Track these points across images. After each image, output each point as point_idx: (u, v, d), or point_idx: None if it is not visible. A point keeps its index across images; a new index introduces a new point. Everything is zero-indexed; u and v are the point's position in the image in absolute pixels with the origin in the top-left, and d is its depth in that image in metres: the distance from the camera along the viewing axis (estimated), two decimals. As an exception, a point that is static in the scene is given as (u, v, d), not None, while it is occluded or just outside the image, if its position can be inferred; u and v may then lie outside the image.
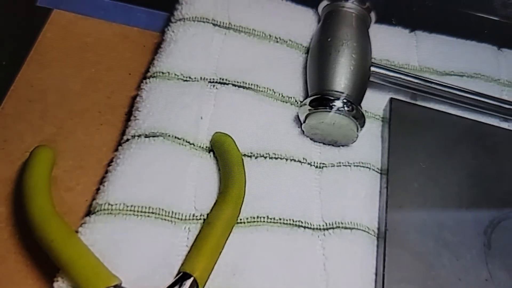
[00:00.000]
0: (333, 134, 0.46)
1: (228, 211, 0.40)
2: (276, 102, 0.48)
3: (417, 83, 0.50)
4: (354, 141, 0.47)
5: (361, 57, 0.47)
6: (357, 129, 0.45)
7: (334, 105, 0.44)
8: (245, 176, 0.42)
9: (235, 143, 0.44)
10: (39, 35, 0.50)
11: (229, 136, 0.44)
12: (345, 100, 0.44)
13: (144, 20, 0.53)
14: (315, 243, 0.42)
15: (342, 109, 0.43)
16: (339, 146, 0.47)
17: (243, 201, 0.41)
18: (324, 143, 0.47)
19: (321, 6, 0.52)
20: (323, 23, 0.50)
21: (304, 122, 0.45)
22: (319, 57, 0.47)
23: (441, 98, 0.51)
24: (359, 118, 0.44)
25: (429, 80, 0.50)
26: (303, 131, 0.47)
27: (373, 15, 0.51)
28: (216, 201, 0.41)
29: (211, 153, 0.44)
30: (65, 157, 0.43)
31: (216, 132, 0.44)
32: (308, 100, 0.45)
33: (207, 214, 0.41)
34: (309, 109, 0.44)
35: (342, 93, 0.44)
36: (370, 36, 0.51)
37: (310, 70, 0.48)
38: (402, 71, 0.50)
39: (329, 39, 0.48)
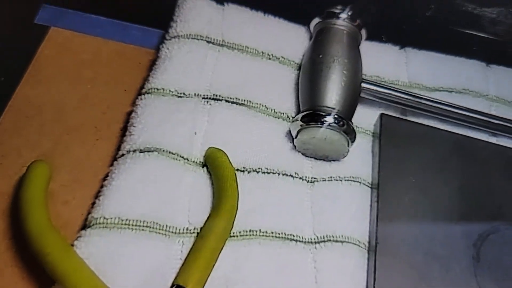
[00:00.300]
0: (324, 149, 0.46)
1: (221, 225, 0.40)
2: (269, 117, 0.49)
3: (407, 98, 0.51)
4: (345, 156, 0.47)
5: (352, 74, 0.48)
6: (348, 144, 0.46)
7: (326, 121, 0.44)
8: (238, 190, 0.43)
9: (228, 158, 0.44)
10: (37, 52, 0.50)
11: (222, 151, 0.45)
12: (336, 116, 0.45)
13: (140, 38, 0.54)
14: (307, 256, 0.43)
15: (333, 124, 0.44)
16: (330, 161, 0.48)
17: (236, 214, 0.42)
18: (315, 158, 0.48)
19: (313, 23, 0.53)
20: (315, 40, 0.51)
21: (296, 137, 0.46)
22: (311, 73, 0.48)
23: (431, 114, 0.52)
24: (350, 133, 0.45)
25: (419, 96, 0.51)
26: (295, 146, 0.47)
27: (363, 32, 0.53)
28: (210, 214, 0.42)
29: (205, 168, 0.45)
30: (62, 172, 0.44)
31: (210, 147, 0.45)
32: (300, 115, 0.46)
33: (201, 228, 0.41)
34: (300, 125, 0.45)
35: (333, 108, 0.45)
36: (360, 52, 0.51)
37: (302, 86, 0.49)
38: (392, 87, 0.51)
39: (320, 56, 0.49)
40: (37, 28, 0.52)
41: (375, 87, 0.50)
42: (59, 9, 0.54)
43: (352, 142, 0.46)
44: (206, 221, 0.41)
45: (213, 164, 0.44)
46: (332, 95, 0.46)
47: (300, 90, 0.49)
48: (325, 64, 0.48)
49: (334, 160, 0.48)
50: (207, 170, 0.45)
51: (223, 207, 0.41)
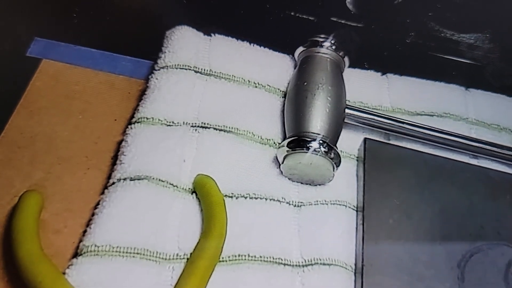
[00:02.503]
0: (310, 174, 0.48)
1: (211, 250, 0.41)
2: (255, 144, 0.50)
3: (389, 123, 0.52)
4: (331, 180, 0.48)
5: (336, 100, 0.50)
6: (333, 168, 0.47)
7: (311, 146, 0.46)
8: (226, 216, 0.43)
9: (216, 185, 0.45)
10: (29, 84, 0.51)
11: (210, 177, 0.46)
12: (321, 141, 0.46)
13: (130, 68, 0.55)
14: (295, 280, 0.43)
15: (319, 149, 0.45)
16: (316, 185, 0.49)
17: (224, 240, 0.42)
18: (302, 183, 0.49)
19: (297, 52, 0.55)
20: (299, 68, 0.53)
21: (282, 162, 0.47)
22: (296, 100, 0.50)
23: (413, 138, 0.53)
24: (335, 158, 0.46)
25: (401, 120, 0.52)
26: (281, 172, 0.48)
27: (346, 60, 0.54)
28: (199, 240, 0.43)
29: (194, 195, 0.46)
30: (53, 201, 0.45)
31: (198, 174, 0.46)
32: (286, 141, 0.47)
33: (190, 254, 0.42)
34: (287, 151, 0.46)
35: (319, 134, 0.47)
36: (344, 79, 0.53)
37: (287, 113, 0.50)
38: (375, 112, 0.52)
39: (305, 83, 0.50)
40: (29, 60, 0.53)
41: (359, 113, 0.52)
42: (50, 42, 0.55)
43: (337, 166, 0.47)
44: (195, 247, 0.42)
45: (202, 190, 0.45)
46: (317, 121, 0.47)
47: (285, 117, 0.50)
48: (309, 92, 0.49)
49: (320, 184, 0.49)
50: (196, 197, 0.46)
51: (212, 233, 0.42)
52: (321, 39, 0.53)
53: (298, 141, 0.46)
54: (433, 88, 0.59)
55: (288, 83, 0.54)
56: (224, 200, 0.44)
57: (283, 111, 0.52)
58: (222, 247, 0.42)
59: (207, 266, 0.41)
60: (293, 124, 0.49)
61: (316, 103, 0.48)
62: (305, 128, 0.47)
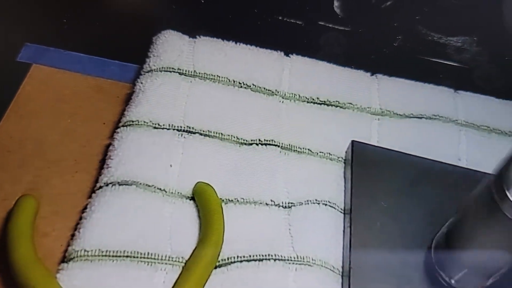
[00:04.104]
0: None
1: (207, 258, 0.42)
2: (241, 147, 0.50)
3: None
4: None
5: None
6: None
7: None
8: (224, 224, 0.44)
9: (215, 192, 0.45)
10: (19, 88, 0.52)
11: (209, 185, 0.46)
12: None
13: (118, 73, 0.55)
14: (288, 275, 0.43)
15: None
16: None
17: (221, 247, 0.43)
18: None
19: None
20: None
21: None
22: None
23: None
24: None
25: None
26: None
27: None
28: (195, 247, 0.43)
29: (184, 199, 0.46)
30: (42, 204, 0.45)
31: (198, 182, 0.46)
32: None
33: (183, 257, 0.42)
34: None
35: None
36: (334, 79, 0.52)
37: None
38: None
39: None
40: (19, 65, 0.54)
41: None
42: (40, 47, 0.55)
43: None
44: (191, 254, 0.42)
45: (201, 198, 0.45)
46: None
47: None
48: None
49: None
50: (186, 200, 0.46)
51: (210, 240, 0.43)
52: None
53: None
54: (422, 90, 0.58)
55: None
56: (222, 208, 0.45)
57: (267, 110, 0.52)
58: (219, 254, 0.43)
59: (202, 273, 0.41)
60: None
61: None
62: None
